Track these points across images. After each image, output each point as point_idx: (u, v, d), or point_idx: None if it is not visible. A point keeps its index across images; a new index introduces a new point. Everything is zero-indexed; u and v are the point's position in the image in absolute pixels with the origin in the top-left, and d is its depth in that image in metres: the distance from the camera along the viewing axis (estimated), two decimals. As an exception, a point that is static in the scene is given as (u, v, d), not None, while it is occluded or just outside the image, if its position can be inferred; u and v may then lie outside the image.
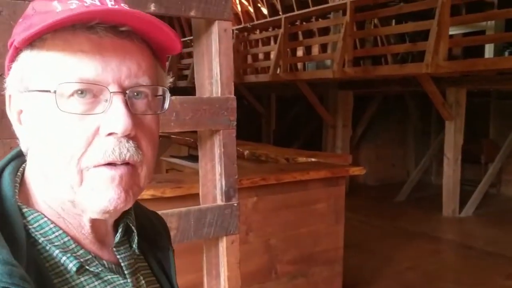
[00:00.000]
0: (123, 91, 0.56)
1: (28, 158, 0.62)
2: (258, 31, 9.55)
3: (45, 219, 0.58)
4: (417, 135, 8.93)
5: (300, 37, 9.34)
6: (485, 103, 7.73)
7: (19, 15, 0.61)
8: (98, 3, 0.56)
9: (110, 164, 0.55)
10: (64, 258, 0.58)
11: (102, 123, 0.55)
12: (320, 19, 8.51)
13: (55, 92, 0.54)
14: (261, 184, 3.07)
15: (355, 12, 6.43)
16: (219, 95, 1.48)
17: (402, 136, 9.07)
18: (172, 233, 1.41)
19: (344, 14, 6.57)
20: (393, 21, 8.00)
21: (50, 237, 0.58)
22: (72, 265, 0.58)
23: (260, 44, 9.64)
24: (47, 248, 0.58)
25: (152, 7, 1.33)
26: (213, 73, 1.48)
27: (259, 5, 11.23)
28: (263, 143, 9.63)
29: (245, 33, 9.12)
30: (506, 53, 6.32)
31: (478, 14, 6.07)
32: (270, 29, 8.86)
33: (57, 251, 0.58)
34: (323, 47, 8.95)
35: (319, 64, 8.28)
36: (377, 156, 8.70)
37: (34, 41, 0.56)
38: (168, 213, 1.38)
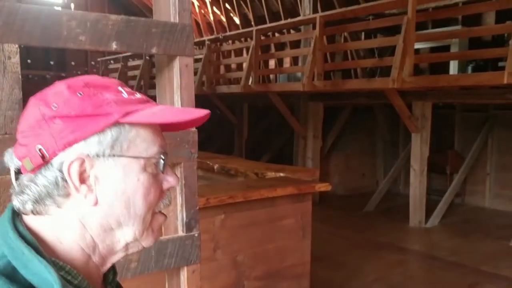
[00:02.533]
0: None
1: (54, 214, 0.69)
2: (230, 42, 9.63)
3: (69, 266, 0.68)
4: (386, 146, 9.13)
5: (273, 49, 9.46)
6: (450, 115, 7.97)
7: None
8: (138, 96, 0.73)
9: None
10: None
11: (164, 180, 0.74)
12: (292, 31, 8.66)
13: (156, 158, 0.72)
14: (228, 202, 3.11)
15: (324, 26, 6.56)
16: (181, 128, 1.51)
17: (371, 147, 9.25)
18: (133, 265, 1.44)
19: (314, 27, 6.70)
20: (363, 35, 8.17)
21: (76, 281, 0.68)
22: None
23: (232, 54, 9.71)
24: None
25: (114, 45, 1.36)
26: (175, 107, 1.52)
27: (231, 14, 11.31)
28: (236, 153, 9.68)
29: (218, 44, 9.18)
30: (469, 68, 6.53)
31: (442, 31, 6.29)
32: (242, 40, 8.94)
33: None
34: (295, 59, 9.09)
35: (290, 76, 8.38)
36: (347, 166, 8.84)
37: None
38: (128, 245, 1.40)
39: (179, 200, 1.53)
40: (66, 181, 0.67)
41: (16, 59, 1.23)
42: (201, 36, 11.46)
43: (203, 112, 0.74)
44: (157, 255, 1.47)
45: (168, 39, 1.45)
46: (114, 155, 0.68)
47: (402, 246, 5.76)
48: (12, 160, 0.69)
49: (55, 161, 0.66)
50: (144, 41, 1.41)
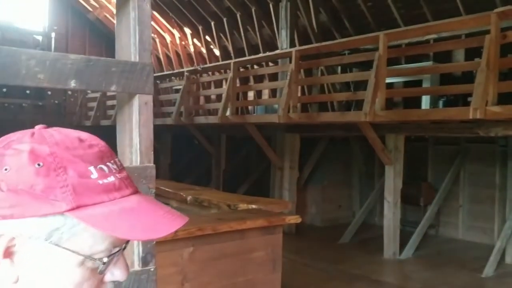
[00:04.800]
0: None
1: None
2: (210, 73, 9.76)
3: None
4: (362, 177, 9.24)
5: (252, 81, 9.61)
6: (423, 147, 8.14)
7: None
8: (109, 180, 0.65)
9: None
10: None
11: (108, 272, 0.68)
12: (270, 63, 8.84)
13: (99, 257, 0.64)
14: (197, 234, 3.11)
15: (300, 60, 6.73)
16: (139, 164, 1.55)
17: (348, 178, 9.35)
18: (86, 300, 1.44)
19: (291, 61, 6.86)
20: (339, 69, 8.38)
21: None
22: None
23: (212, 85, 9.83)
24: None
25: (73, 84, 1.40)
26: (133, 143, 1.56)
27: (211, 46, 11.49)
28: (213, 183, 9.67)
29: (197, 75, 9.29)
30: (441, 103, 6.73)
31: (411, 67, 6.51)
32: (222, 71, 9.07)
33: None
34: (273, 91, 9.23)
35: (268, 107, 8.51)
36: (323, 198, 8.90)
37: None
38: (82, 280, 1.41)
39: (136, 234, 1.55)
40: None
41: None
42: (182, 67, 11.58)
43: (172, 227, 0.65)
44: (111, 290, 1.47)
45: (128, 77, 1.50)
46: (50, 242, 0.62)
47: (376, 278, 5.78)
48: None
49: None
50: (103, 79, 1.45)
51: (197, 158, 11.51)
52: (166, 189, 5.03)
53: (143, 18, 1.56)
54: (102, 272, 0.66)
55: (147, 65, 1.55)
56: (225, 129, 9.37)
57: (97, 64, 1.44)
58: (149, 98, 1.57)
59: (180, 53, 12.14)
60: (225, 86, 8.18)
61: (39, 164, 0.61)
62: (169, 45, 12.43)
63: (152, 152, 1.58)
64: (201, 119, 8.68)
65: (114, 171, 0.66)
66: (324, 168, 9.03)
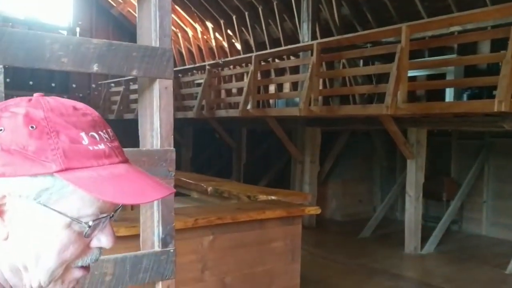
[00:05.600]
0: None
1: None
2: (232, 67, 9.79)
3: None
4: (383, 172, 9.16)
5: (273, 74, 9.60)
6: (446, 142, 8.02)
7: None
8: (100, 147, 0.67)
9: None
10: None
11: (95, 238, 0.69)
12: (291, 57, 8.81)
13: (85, 221, 0.66)
14: (217, 223, 3.15)
15: (321, 53, 6.69)
16: (159, 147, 1.58)
17: (369, 172, 9.28)
18: (107, 278, 1.48)
19: (312, 54, 6.83)
20: (361, 61, 8.31)
21: None
22: None
23: (233, 79, 9.86)
24: None
25: (95, 67, 1.44)
26: (154, 127, 1.59)
27: (233, 40, 11.52)
28: (234, 177, 9.72)
29: (218, 68, 9.33)
30: (465, 96, 6.62)
31: (434, 60, 6.40)
32: (243, 65, 9.09)
33: None
34: (294, 85, 9.21)
35: (289, 101, 8.49)
36: (344, 192, 8.86)
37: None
38: (104, 259, 1.45)
39: (155, 216, 1.58)
40: None
41: (0, 78, 1.31)
42: (203, 61, 11.65)
43: (157, 195, 0.67)
44: (132, 269, 1.51)
45: (149, 62, 1.53)
46: (39, 202, 0.64)
47: (396, 272, 5.73)
48: None
49: None
50: (125, 64, 1.49)
51: (218, 151, 11.59)
52: (188, 180, 5.08)
53: (164, 4, 1.59)
54: (88, 236, 0.67)
55: (167, 51, 1.58)
56: (246, 123, 9.40)
57: (118, 49, 1.48)
58: (169, 83, 1.60)
59: (202, 47, 12.21)
60: (246, 80, 8.21)
61: (32, 127, 0.63)
62: (191, 39, 12.51)
63: (172, 136, 1.61)
64: (222, 113, 8.73)
65: (105, 140, 0.68)
66: (344, 162, 8.99)
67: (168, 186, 0.70)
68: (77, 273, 0.70)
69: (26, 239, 0.65)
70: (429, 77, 7.18)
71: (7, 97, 0.95)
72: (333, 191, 8.83)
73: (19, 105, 0.66)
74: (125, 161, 0.70)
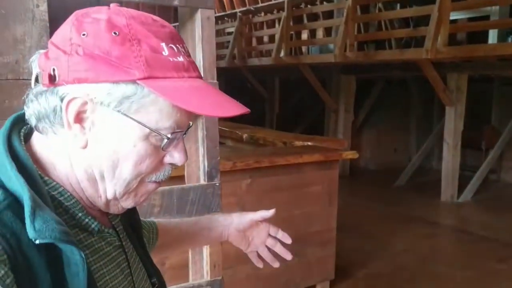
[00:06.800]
0: None
1: (59, 144, 0.67)
2: (262, 13, 9.54)
3: (62, 187, 0.68)
4: (419, 120, 8.95)
5: (305, 20, 9.33)
6: (487, 88, 7.71)
7: None
8: (179, 59, 0.66)
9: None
10: (86, 220, 0.70)
11: (168, 154, 0.70)
12: (324, 2, 8.50)
13: (163, 134, 0.66)
14: (255, 166, 3.15)
15: (357, -4, 6.43)
16: (202, 80, 1.55)
17: (404, 121, 9.08)
18: (155, 210, 1.50)
19: (347, -2, 6.56)
20: (398, 5, 7.96)
21: (68, 203, 0.68)
22: (94, 226, 0.71)
23: (265, 26, 9.64)
24: (70, 211, 0.68)
25: (137, -4, 1.39)
26: (197, 59, 1.55)
27: (264, -13, 11.18)
28: (267, 127, 9.70)
29: (249, 15, 9.12)
30: (510, 39, 6.28)
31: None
32: (274, 12, 8.85)
33: (80, 214, 0.69)
34: (328, 31, 8.94)
35: (323, 48, 8.28)
36: (379, 141, 8.74)
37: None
38: (151, 191, 1.46)
39: (201, 150, 1.57)
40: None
41: (44, 7, 1.29)
42: (233, 8, 11.40)
43: (237, 111, 0.66)
44: (179, 202, 1.52)
45: (190, -9, 1.48)
46: (119, 111, 0.63)
47: (432, 220, 5.70)
48: (35, 64, 0.67)
49: (61, 90, 0.63)
50: (167, -8, 1.44)
51: (250, 101, 11.47)
52: (222, 128, 5.08)
53: None
54: (164, 149, 0.67)
55: (208, -21, 1.52)
56: (279, 72, 9.26)
57: (160, -24, 1.42)
58: (211, 13, 1.55)
59: (232, -5, 11.92)
60: (278, 27, 8.01)
61: (115, 33, 0.62)
62: (221, -13, 12.21)
63: (215, 69, 1.57)
64: (255, 61, 8.60)
65: (183, 53, 0.67)
66: (379, 111, 8.81)
67: (243, 106, 0.68)
68: (150, 186, 0.71)
69: (105, 148, 0.65)
70: (471, 20, 6.83)
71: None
72: (367, 141, 8.73)
73: (100, 12, 0.65)
74: (201, 77, 0.69)
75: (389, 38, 7.82)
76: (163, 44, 0.64)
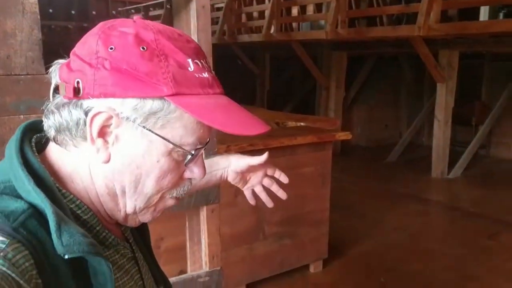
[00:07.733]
0: None
1: (82, 158, 0.67)
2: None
3: (79, 200, 0.67)
4: (410, 97, 8.97)
5: (295, -4, 9.18)
6: (478, 65, 7.72)
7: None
8: (204, 76, 0.66)
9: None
10: (104, 233, 0.70)
11: (188, 169, 0.70)
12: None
13: (187, 150, 0.66)
14: (249, 149, 3.14)
15: (349, -29, 6.33)
16: (198, 70, 1.52)
17: (395, 98, 9.10)
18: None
19: (339, -27, 6.46)
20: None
21: (85, 216, 0.68)
22: (111, 240, 0.71)
23: (254, 2, 9.49)
24: (87, 224, 0.68)
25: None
26: (192, 49, 1.52)
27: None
28: (258, 103, 9.66)
29: (239, -9, 8.97)
30: (501, 15, 6.25)
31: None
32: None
33: (97, 228, 0.69)
34: (319, 7, 8.83)
35: (314, 24, 8.18)
36: (370, 118, 8.76)
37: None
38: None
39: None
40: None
41: (34, -1, 1.24)
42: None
43: (260, 130, 0.67)
44: (177, 194, 1.51)
45: (185, -22, 1.43)
46: (144, 127, 0.63)
47: (423, 196, 5.77)
48: (55, 74, 0.66)
49: (85, 103, 0.63)
50: (161, -20, 1.39)
51: (241, 78, 11.44)
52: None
53: None
54: (187, 165, 0.68)
55: (203, -35, 1.47)
56: (269, 48, 9.17)
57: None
58: (207, 2, 1.51)
59: (221, -31, 11.68)
60: (268, 2, 7.88)
61: (143, 48, 0.62)
62: (210, -39, 11.95)
63: (212, 58, 1.54)
64: (245, 38, 8.49)
65: (207, 68, 0.67)
66: (371, 88, 8.80)
67: (265, 123, 0.69)
68: (169, 202, 0.72)
69: (128, 163, 0.66)
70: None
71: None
72: (358, 117, 8.74)
73: (127, 25, 0.65)
74: (224, 93, 0.69)
75: (379, 15, 7.75)
76: (189, 60, 0.64)
